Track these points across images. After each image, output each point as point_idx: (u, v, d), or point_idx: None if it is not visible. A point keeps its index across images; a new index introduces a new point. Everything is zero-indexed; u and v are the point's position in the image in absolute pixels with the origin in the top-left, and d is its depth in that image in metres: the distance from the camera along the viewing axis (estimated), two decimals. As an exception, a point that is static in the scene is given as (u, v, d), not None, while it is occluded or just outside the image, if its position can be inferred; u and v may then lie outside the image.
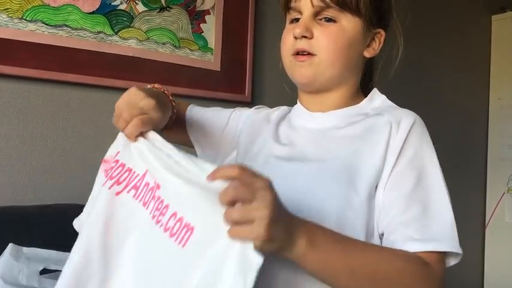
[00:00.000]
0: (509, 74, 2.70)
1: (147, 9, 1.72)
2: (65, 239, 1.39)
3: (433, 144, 0.82)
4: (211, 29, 1.85)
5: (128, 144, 0.75)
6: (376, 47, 0.88)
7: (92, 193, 0.80)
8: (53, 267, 1.19)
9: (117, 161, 0.74)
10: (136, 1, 1.70)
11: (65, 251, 1.25)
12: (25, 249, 1.21)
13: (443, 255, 0.74)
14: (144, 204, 0.67)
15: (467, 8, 2.71)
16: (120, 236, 0.69)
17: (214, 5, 1.86)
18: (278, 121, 0.94)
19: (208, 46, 1.85)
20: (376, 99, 0.89)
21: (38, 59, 1.52)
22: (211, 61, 1.85)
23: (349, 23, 0.83)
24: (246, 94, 1.90)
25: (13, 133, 1.53)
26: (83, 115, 1.64)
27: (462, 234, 0.77)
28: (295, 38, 0.83)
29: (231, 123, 1.00)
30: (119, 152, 0.77)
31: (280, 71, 0.91)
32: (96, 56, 1.61)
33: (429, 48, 2.53)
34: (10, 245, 1.18)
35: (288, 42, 0.86)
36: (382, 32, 0.88)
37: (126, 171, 0.73)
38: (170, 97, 0.88)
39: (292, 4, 0.86)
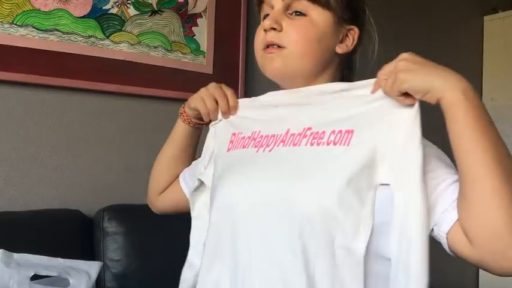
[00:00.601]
0: (501, 75, 2.71)
1: (138, 12, 1.72)
2: (55, 245, 1.39)
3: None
4: (203, 32, 1.85)
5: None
6: (349, 43, 0.87)
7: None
8: (43, 273, 1.19)
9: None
10: (128, 5, 1.70)
11: (55, 256, 1.25)
12: (16, 255, 1.20)
13: None
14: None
15: (459, 9, 2.72)
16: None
17: (206, 8, 1.86)
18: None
19: (200, 49, 1.85)
20: None
21: (29, 63, 1.52)
22: (204, 64, 1.85)
23: (319, 17, 0.82)
24: (239, 97, 1.89)
25: (4, 138, 1.52)
26: (75, 119, 1.63)
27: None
28: (265, 31, 0.83)
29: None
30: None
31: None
32: (87, 60, 1.61)
33: (421, 49, 2.52)
34: (1, 251, 1.18)
35: (259, 36, 0.85)
36: (356, 29, 0.87)
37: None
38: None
39: None
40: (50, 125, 1.59)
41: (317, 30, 0.82)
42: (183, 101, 1.78)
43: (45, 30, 1.54)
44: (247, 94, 1.94)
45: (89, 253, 1.49)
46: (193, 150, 1.03)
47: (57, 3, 1.56)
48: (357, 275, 0.68)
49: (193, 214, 0.93)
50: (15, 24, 1.50)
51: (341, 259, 0.68)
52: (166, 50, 1.77)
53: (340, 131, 0.76)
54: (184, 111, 0.99)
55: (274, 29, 0.82)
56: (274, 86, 0.94)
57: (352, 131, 0.75)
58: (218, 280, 0.77)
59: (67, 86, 1.59)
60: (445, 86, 0.67)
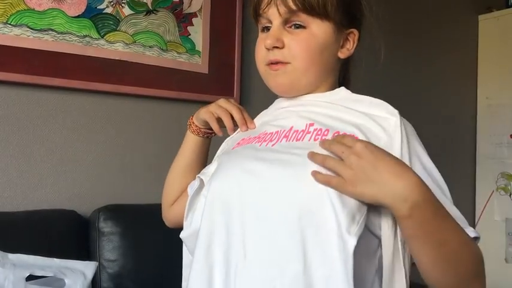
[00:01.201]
0: (496, 73, 2.72)
1: (133, 12, 1.72)
2: (51, 245, 1.39)
3: (422, 143, 0.83)
4: (199, 32, 1.85)
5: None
6: (350, 47, 0.88)
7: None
8: (39, 274, 1.19)
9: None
10: (123, 4, 1.69)
11: (51, 257, 1.24)
12: (11, 255, 1.20)
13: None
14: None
15: (454, 8, 2.73)
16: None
17: (201, 7, 1.86)
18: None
19: (196, 49, 1.85)
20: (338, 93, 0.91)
21: (24, 63, 1.51)
22: (199, 64, 1.85)
23: (319, 28, 0.83)
24: (234, 96, 1.90)
25: (-1, 138, 1.52)
26: (69, 119, 1.63)
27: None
28: (267, 49, 0.84)
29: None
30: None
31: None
32: (82, 60, 1.61)
33: (417, 48, 2.54)
34: (-4, 251, 1.17)
35: (261, 53, 0.86)
36: (355, 32, 0.88)
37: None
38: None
39: (261, 13, 0.86)
40: (45, 125, 1.59)
41: (318, 42, 0.83)
42: (179, 100, 1.80)
43: (40, 30, 1.54)
44: (243, 93, 1.94)
45: (84, 253, 1.49)
46: (204, 160, 1.03)
47: (51, 3, 1.56)
48: (348, 264, 0.69)
49: (183, 235, 0.91)
50: (10, 24, 1.49)
51: (336, 248, 0.69)
52: (162, 49, 1.77)
53: (345, 134, 0.77)
54: (193, 122, 0.99)
55: (276, 46, 0.82)
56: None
57: (356, 138, 0.76)
58: (211, 270, 0.77)
59: (62, 86, 1.58)
60: (393, 202, 0.67)
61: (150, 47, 1.75)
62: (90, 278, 1.28)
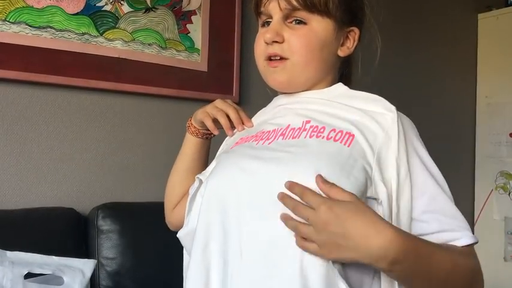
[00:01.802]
0: (496, 72, 2.72)
1: (132, 10, 1.71)
2: (50, 243, 1.38)
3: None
4: (198, 30, 1.85)
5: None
6: (350, 45, 0.88)
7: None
8: (37, 271, 1.19)
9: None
10: (122, 2, 1.69)
11: (49, 254, 1.24)
12: (9, 253, 1.19)
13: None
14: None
15: (454, 7, 2.73)
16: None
17: (200, 5, 1.85)
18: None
19: (195, 47, 1.84)
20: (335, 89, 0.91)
21: (22, 61, 1.51)
22: (198, 62, 1.85)
23: (319, 24, 0.82)
24: (234, 94, 1.90)
25: (-3, 136, 1.51)
26: (68, 117, 1.62)
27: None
28: (267, 43, 0.83)
29: None
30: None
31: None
32: (81, 58, 1.60)
33: (416, 46, 2.54)
34: (-6, 249, 1.17)
35: (260, 47, 0.86)
36: (356, 30, 0.87)
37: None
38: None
39: (262, 9, 0.86)
40: (44, 122, 1.58)
41: (318, 38, 0.82)
42: (178, 98, 1.79)
43: (39, 28, 1.53)
44: (242, 91, 1.94)
45: (83, 251, 1.49)
46: (204, 161, 1.03)
47: (50, 0, 1.55)
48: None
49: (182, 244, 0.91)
50: (8, 21, 1.49)
51: None
52: (161, 47, 1.77)
53: (341, 131, 0.77)
54: (191, 124, 0.99)
55: (275, 41, 0.82)
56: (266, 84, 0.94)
57: (353, 135, 0.76)
58: (208, 269, 0.77)
59: (60, 84, 1.58)
60: (372, 262, 0.66)
61: (149, 45, 1.74)
62: (88, 275, 1.28)
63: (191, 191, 0.90)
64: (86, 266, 1.29)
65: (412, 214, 0.75)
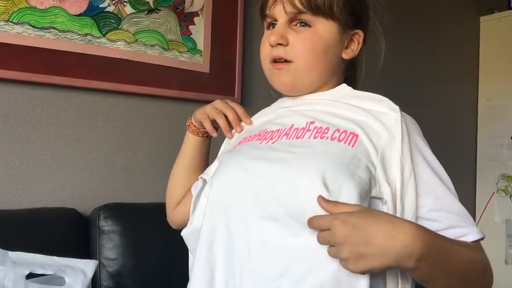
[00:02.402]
0: (497, 75, 2.72)
1: (135, 11, 1.71)
2: (51, 244, 1.38)
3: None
4: (200, 31, 1.85)
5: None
6: (354, 48, 0.88)
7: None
8: (39, 272, 1.18)
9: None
10: (124, 3, 1.69)
11: (51, 255, 1.24)
12: (11, 253, 1.19)
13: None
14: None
15: (456, 10, 2.73)
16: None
17: (203, 6, 1.85)
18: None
19: (197, 48, 1.85)
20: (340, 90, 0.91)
21: (25, 61, 1.51)
22: (201, 63, 1.85)
23: (324, 27, 0.83)
24: (236, 96, 1.90)
25: (0, 136, 1.52)
26: (70, 118, 1.63)
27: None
28: (271, 45, 0.84)
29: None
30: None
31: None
32: (83, 59, 1.61)
33: (418, 49, 2.54)
34: (-4, 249, 1.17)
35: (265, 50, 0.86)
36: (361, 33, 0.88)
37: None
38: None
39: (267, 12, 0.87)
40: (46, 123, 1.59)
41: (323, 41, 0.83)
42: (180, 99, 1.80)
43: (41, 28, 1.54)
44: (244, 92, 1.94)
45: (84, 252, 1.49)
46: (205, 159, 1.03)
47: (53, 1, 1.56)
48: None
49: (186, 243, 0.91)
50: (11, 22, 1.49)
51: None
52: (163, 48, 1.77)
53: (345, 131, 0.78)
54: (192, 123, 1.00)
55: (280, 43, 0.83)
56: (270, 86, 0.94)
57: (357, 136, 0.77)
58: (213, 269, 0.77)
59: (63, 84, 1.58)
60: (398, 262, 0.66)
61: (151, 46, 1.74)
62: (90, 276, 1.28)
63: (194, 191, 0.91)
64: (87, 266, 1.29)
65: (418, 213, 0.76)
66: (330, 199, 0.69)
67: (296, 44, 0.82)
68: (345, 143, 0.76)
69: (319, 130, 0.79)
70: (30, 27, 1.52)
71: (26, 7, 1.51)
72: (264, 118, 0.93)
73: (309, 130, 0.80)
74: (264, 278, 0.72)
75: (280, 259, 0.71)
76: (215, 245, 0.78)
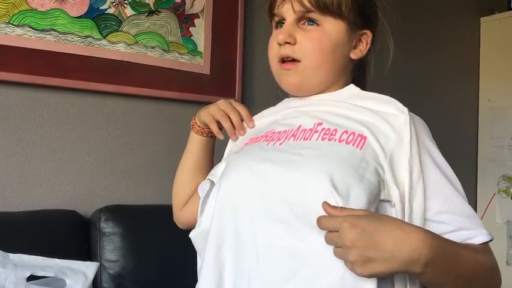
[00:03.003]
0: (498, 75, 2.72)
1: (135, 13, 1.71)
2: (52, 246, 1.38)
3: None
4: (201, 33, 1.85)
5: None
6: (363, 48, 0.88)
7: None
8: (40, 274, 1.18)
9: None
10: (125, 5, 1.69)
11: (52, 257, 1.24)
12: (12, 255, 1.19)
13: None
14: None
15: (457, 10, 2.73)
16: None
17: (203, 8, 1.86)
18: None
19: (198, 50, 1.85)
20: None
21: (26, 63, 1.51)
22: (201, 65, 1.85)
23: (332, 26, 0.82)
24: (236, 97, 1.90)
25: (0, 138, 1.52)
26: (71, 120, 1.63)
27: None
28: (279, 44, 0.84)
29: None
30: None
31: (270, 74, 0.91)
32: (84, 60, 1.61)
33: (419, 50, 2.54)
34: (-4, 251, 1.17)
35: (273, 50, 0.86)
36: (369, 33, 0.87)
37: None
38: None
39: (275, 11, 0.86)
40: (47, 125, 1.59)
41: (331, 40, 0.83)
42: (180, 101, 1.80)
43: (42, 30, 1.54)
44: (244, 94, 1.94)
45: (85, 254, 1.49)
46: (211, 159, 1.03)
47: (53, 3, 1.56)
48: None
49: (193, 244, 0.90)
50: (12, 24, 1.49)
51: None
52: (164, 50, 1.77)
53: (353, 133, 0.77)
54: (196, 123, 1.00)
55: (288, 42, 0.82)
56: (272, 87, 0.94)
57: (365, 138, 0.76)
58: (221, 272, 0.77)
59: (64, 86, 1.58)
60: (406, 267, 0.66)
61: (152, 48, 1.74)
62: (91, 278, 1.28)
63: (202, 192, 0.91)
64: (88, 268, 1.29)
65: (426, 215, 0.75)
66: (338, 202, 0.69)
67: (304, 42, 0.82)
68: (353, 145, 0.76)
69: (327, 132, 0.79)
70: (30, 29, 1.52)
71: (27, 9, 1.52)
72: (270, 118, 0.92)
73: (316, 131, 0.80)
74: (271, 281, 0.72)
75: (288, 262, 0.71)
76: (224, 247, 0.78)
